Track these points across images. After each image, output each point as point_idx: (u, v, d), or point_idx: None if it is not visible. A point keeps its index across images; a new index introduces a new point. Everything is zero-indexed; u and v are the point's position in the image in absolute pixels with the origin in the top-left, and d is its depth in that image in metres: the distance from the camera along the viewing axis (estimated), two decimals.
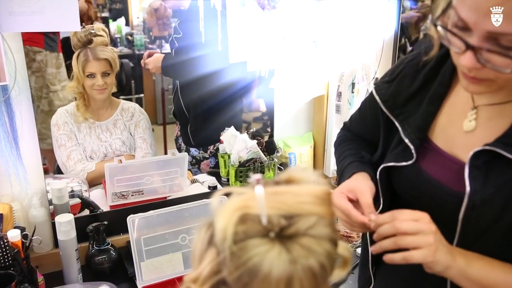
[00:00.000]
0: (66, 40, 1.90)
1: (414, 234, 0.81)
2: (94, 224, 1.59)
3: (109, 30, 2.24)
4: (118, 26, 3.06)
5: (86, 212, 1.76)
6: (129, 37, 3.09)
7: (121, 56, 2.20)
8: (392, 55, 2.24)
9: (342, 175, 1.10)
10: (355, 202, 0.95)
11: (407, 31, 2.45)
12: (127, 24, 3.09)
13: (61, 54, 2.01)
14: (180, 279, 1.53)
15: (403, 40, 2.38)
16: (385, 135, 1.06)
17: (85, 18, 2.13)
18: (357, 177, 1.04)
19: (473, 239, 0.88)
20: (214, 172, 2.12)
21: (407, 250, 0.82)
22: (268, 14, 1.85)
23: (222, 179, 2.06)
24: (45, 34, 1.92)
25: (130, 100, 2.21)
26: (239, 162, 1.93)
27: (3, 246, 1.34)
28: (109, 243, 1.63)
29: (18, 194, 1.57)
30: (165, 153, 2.25)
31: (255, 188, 0.57)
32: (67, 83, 1.95)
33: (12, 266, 1.35)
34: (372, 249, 0.88)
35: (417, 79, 0.99)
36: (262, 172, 1.98)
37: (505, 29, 0.70)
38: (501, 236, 0.85)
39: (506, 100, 0.87)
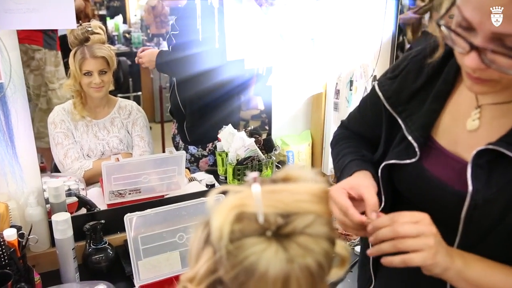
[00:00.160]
0: (64, 37, 1.89)
1: (415, 237, 0.80)
2: (91, 223, 1.58)
3: (106, 28, 2.23)
4: (115, 24, 3.05)
5: (83, 210, 1.75)
6: (127, 35, 3.08)
7: (118, 54, 2.18)
8: (390, 53, 2.23)
9: (342, 174, 1.08)
10: (355, 201, 0.93)
11: (405, 31, 2.44)
12: (124, 22, 3.08)
13: (59, 52, 2.00)
14: (177, 278, 1.52)
15: (401, 38, 2.38)
16: (387, 132, 1.04)
17: (82, 16, 2.12)
18: (359, 175, 1.02)
19: (475, 240, 0.87)
20: (213, 170, 2.12)
21: (406, 252, 0.81)
22: (266, 11, 1.84)
23: (220, 177, 2.05)
24: (44, 32, 1.91)
25: (128, 98, 2.20)
26: (237, 160, 1.92)
27: None
28: (106, 242, 1.62)
29: (14, 192, 1.56)
30: (163, 151, 2.24)
31: (251, 186, 0.57)
32: (65, 81, 1.94)
33: (9, 265, 1.34)
34: (369, 252, 0.86)
35: (421, 76, 0.98)
36: (260, 170, 1.97)
37: (510, 30, 0.69)
38: (504, 238, 0.84)
39: (511, 99, 0.86)
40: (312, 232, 0.56)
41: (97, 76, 1.88)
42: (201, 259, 0.60)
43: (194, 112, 2.13)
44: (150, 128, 2.13)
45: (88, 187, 1.89)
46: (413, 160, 0.94)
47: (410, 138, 0.95)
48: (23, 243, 1.42)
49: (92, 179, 1.92)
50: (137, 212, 1.48)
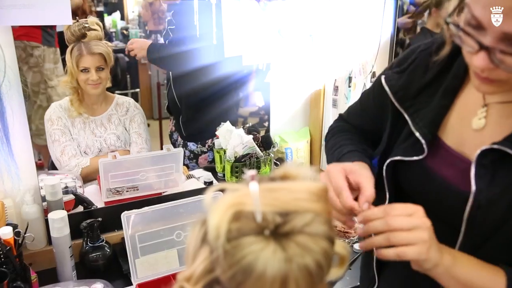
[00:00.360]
0: (62, 34, 1.88)
1: (409, 230, 0.78)
2: (88, 221, 1.57)
3: (104, 24, 2.22)
4: (113, 20, 3.05)
5: (80, 208, 1.74)
6: (125, 32, 3.08)
7: (116, 51, 2.18)
8: (389, 49, 2.22)
9: (339, 161, 1.04)
10: (350, 188, 0.90)
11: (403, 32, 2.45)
12: (122, 18, 3.08)
13: (58, 49, 1.99)
14: (175, 276, 1.51)
15: (401, 35, 2.37)
16: (391, 127, 1.02)
17: (80, 12, 2.11)
18: (360, 165, 0.99)
19: (479, 240, 0.85)
20: (211, 167, 2.11)
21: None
22: (264, 7, 1.83)
23: (218, 174, 2.04)
24: (43, 29, 1.91)
25: (126, 95, 2.20)
26: (235, 157, 1.92)
27: None
28: (103, 240, 1.61)
29: (10, 190, 1.55)
30: (161, 148, 2.24)
31: (249, 184, 0.56)
32: (62, 78, 1.93)
33: (5, 264, 1.33)
34: (361, 246, 0.84)
35: (430, 70, 0.95)
36: (258, 167, 1.96)
37: None
38: (508, 239, 0.82)
39: None
40: (311, 231, 0.55)
41: (94, 73, 1.87)
42: (198, 258, 0.59)
43: (190, 106, 2.12)
44: (148, 125, 2.13)
45: (85, 185, 1.89)
46: (421, 157, 0.92)
47: (417, 134, 0.92)
48: (19, 242, 1.41)
49: (89, 177, 1.92)
50: (134, 210, 1.48)
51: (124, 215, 1.46)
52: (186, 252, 0.63)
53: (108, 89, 2.00)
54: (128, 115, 2.03)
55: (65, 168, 1.87)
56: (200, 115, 2.12)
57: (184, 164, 2.05)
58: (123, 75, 2.52)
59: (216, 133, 2.00)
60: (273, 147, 2.03)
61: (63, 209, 1.59)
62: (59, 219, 1.47)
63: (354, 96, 2.03)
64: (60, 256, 1.50)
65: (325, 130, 2.12)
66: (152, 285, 1.48)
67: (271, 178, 0.63)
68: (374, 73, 2.11)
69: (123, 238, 1.57)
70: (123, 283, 1.55)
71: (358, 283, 1.36)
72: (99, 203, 1.79)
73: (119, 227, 1.50)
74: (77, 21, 1.81)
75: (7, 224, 1.45)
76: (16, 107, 1.49)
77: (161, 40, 2.20)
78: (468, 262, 0.83)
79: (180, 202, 1.54)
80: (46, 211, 1.60)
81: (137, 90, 2.65)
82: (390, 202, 1.00)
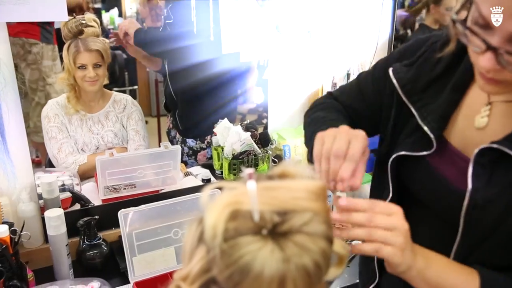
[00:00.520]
0: (59, 31, 1.87)
1: (387, 229, 0.76)
2: (85, 219, 1.57)
3: (101, 21, 2.20)
4: (111, 17, 3.03)
5: (77, 206, 1.73)
6: None
7: (114, 48, 2.17)
8: (387, 47, 2.22)
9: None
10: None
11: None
12: (120, 15, 3.06)
13: (56, 46, 1.98)
14: (172, 274, 1.50)
15: (401, 31, 2.36)
16: (395, 119, 1.00)
17: (77, 9, 2.09)
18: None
19: (476, 240, 0.84)
20: (209, 164, 2.10)
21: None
22: (262, 3, 1.82)
23: (216, 171, 2.03)
24: (41, 25, 1.89)
25: (124, 92, 2.18)
26: (233, 154, 1.91)
27: None
28: (100, 238, 1.61)
29: (6, 188, 1.54)
30: (159, 145, 2.23)
31: (247, 183, 0.55)
32: (59, 74, 1.92)
33: (1, 262, 1.32)
34: (338, 234, 0.78)
35: (440, 64, 0.93)
36: (256, 164, 1.95)
37: None
38: (506, 240, 0.81)
39: None
40: (309, 230, 0.54)
41: (92, 70, 1.86)
42: (194, 258, 0.59)
43: (186, 102, 2.12)
44: (146, 122, 2.11)
45: (83, 182, 1.88)
46: (429, 152, 0.90)
47: (426, 129, 0.90)
48: (16, 240, 1.40)
49: (87, 174, 1.90)
50: (131, 208, 1.47)
51: (121, 213, 1.45)
52: (182, 251, 0.62)
53: (105, 86, 1.98)
54: (125, 112, 2.01)
55: (62, 165, 1.86)
56: (197, 110, 2.11)
57: (182, 161, 2.04)
58: (121, 72, 2.51)
59: (214, 130, 1.99)
60: (271, 144, 2.02)
61: (60, 207, 1.59)
62: (55, 217, 1.46)
63: None
64: (57, 254, 1.49)
65: None
66: (149, 283, 1.48)
67: (269, 176, 0.62)
68: None
69: (120, 236, 1.56)
70: (120, 281, 1.54)
71: (357, 280, 1.35)
72: (96, 201, 1.78)
73: (116, 225, 1.50)
74: (74, 17, 1.80)
75: (3, 223, 1.44)
76: (12, 105, 1.48)
77: None
78: (441, 264, 0.82)
79: (177, 199, 1.53)
80: (42, 209, 1.59)
81: (135, 87, 2.63)
82: (392, 199, 0.97)
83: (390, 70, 0.98)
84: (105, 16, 3.01)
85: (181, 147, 2.05)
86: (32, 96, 1.94)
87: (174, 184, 1.89)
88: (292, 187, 0.57)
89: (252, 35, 1.84)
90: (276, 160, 2.05)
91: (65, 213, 1.49)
